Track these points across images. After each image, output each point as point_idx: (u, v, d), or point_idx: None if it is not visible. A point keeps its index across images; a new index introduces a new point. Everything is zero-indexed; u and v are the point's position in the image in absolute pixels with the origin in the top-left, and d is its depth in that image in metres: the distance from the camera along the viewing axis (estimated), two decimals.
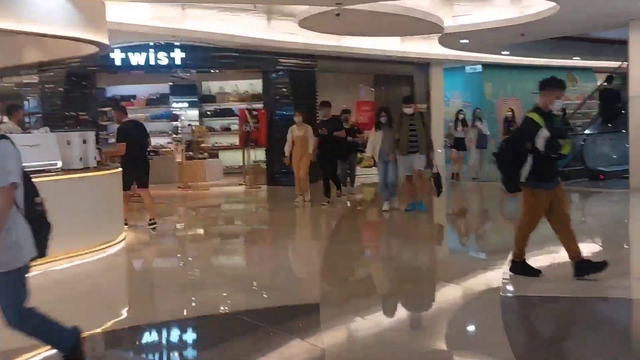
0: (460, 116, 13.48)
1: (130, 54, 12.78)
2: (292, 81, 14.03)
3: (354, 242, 7.95)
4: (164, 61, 12.95)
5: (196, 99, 15.88)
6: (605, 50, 16.04)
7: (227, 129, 15.86)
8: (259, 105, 14.61)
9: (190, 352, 4.15)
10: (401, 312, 4.88)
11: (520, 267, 5.32)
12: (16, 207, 3.20)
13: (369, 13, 9.50)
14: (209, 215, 10.80)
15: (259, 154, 14.44)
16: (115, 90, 15.86)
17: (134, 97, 15.82)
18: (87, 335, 4.20)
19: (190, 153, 14.08)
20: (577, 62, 19.39)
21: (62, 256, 6.40)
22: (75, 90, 13.30)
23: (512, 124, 14.16)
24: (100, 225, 7.19)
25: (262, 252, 7.55)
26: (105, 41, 8.11)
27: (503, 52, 16.83)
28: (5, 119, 7.95)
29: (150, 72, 13.83)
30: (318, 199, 10.25)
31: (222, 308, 4.90)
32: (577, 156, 13.43)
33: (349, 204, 10.60)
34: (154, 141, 15.28)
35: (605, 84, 14.05)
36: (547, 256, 6.53)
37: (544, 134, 4.94)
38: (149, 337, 4.42)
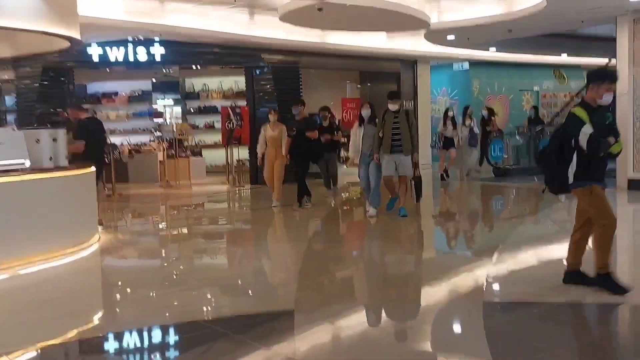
0: (450, 114, 13.26)
1: (108, 50, 12.47)
2: (276, 78, 13.80)
3: (330, 245, 7.56)
4: (143, 57, 12.65)
5: (179, 96, 15.63)
6: (594, 47, 15.94)
7: (211, 127, 15.64)
8: (243, 103, 14.37)
9: None
10: (375, 320, 4.65)
11: (606, 281, 4.61)
12: None
13: (352, 8, 9.26)
14: (187, 216, 10.53)
15: (243, 152, 14.19)
16: (97, 87, 15.59)
17: (115, 94, 15.56)
18: (45, 345, 3.99)
19: (173, 151, 13.81)
20: (565, 59, 19.32)
21: (31, 260, 6.17)
22: (53, 86, 13.00)
23: (488, 123, 14.04)
24: (72, 227, 6.94)
25: (237, 255, 7.29)
26: (77, 36, 7.82)
27: (490, 49, 16.70)
28: None
29: (131, 68, 13.54)
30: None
31: (188, 315, 4.66)
32: None
33: (332, 205, 10.33)
34: (136, 139, 15.12)
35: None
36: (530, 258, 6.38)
37: (586, 130, 4.43)
38: (109, 346, 4.17)
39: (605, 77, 4.62)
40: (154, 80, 15.28)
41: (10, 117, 14.05)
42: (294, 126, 9.62)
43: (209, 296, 5.24)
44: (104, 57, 12.61)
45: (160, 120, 15.13)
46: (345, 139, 11.42)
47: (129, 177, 13.82)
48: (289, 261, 6.67)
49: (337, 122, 14.70)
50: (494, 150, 14.02)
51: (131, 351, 4.06)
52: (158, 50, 12.62)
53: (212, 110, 15.53)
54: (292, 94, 13.59)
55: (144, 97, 15.42)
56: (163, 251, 7.75)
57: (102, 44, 12.41)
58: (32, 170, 6.54)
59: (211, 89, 15.85)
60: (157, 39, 12.09)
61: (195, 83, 15.98)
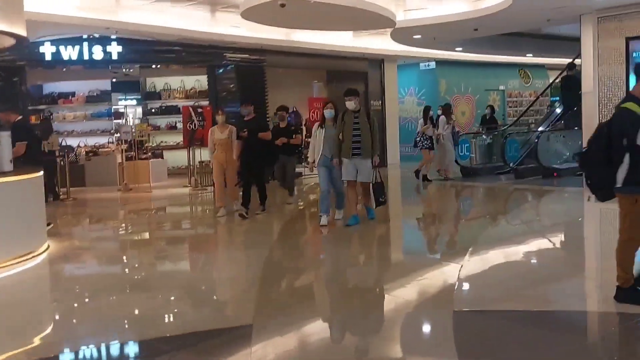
0: (431, 113, 13.03)
1: (62, 48, 11.92)
2: (240, 77, 13.46)
3: (284, 256, 7.08)
4: (99, 55, 12.13)
5: (139, 96, 15.13)
6: (558, 47, 16.05)
7: (172, 127, 15.17)
8: (206, 103, 13.96)
9: None
10: (334, 334, 4.37)
11: (629, 295, 4.30)
12: None
13: (316, 5, 8.98)
14: (145, 221, 10.07)
15: (205, 154, 13.76)
16: (53, 87, 14.98)
17: (73, 94, 14.96)
18: None
19: (132, 153, 13.31)
20: (530, 59, 19.46)
21: None
22: (4, 86, 12.36)
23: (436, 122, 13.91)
24: (18, 236, 6.50)
25: (189, 266, 6.92)
26: (23, 33, 7.34)
27: (457, 49, 16.66)
28: None
29: (87, 67, 13.00)
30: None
31: (132, 333, 4.31)
32: (531, 154, 13.32)
33: (288, 212, 9.80)
34: (94, 140, 14.56)
35: (567, 72, 13.94)
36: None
37: None
38: None
39: None
40: (114, 79, 14.74)
41: None
42: (244, 126, 8.82)
43: (154, 312, 4.88)
44: (57, 56, 12.07)
45: (120, 121, 14.60)
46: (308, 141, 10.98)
47: (86, 180, 13.28)
48: (246, 270, 6.33)
49: (302, 123, 14.43)
50: (461, 150, 13.93)
51: None
52: (115, 49, 12.15)
53: (174, 110, 15.06)
54: (256, 93, 13.25)
55: (103, 97, 14.87)
56: (117, 261, 7.28)
57: (55, 42, 11.85)
58: None
59: (173, 89, 15.38)
60: (113, 36, 11.60)
61: (157, 82, 15.49)
